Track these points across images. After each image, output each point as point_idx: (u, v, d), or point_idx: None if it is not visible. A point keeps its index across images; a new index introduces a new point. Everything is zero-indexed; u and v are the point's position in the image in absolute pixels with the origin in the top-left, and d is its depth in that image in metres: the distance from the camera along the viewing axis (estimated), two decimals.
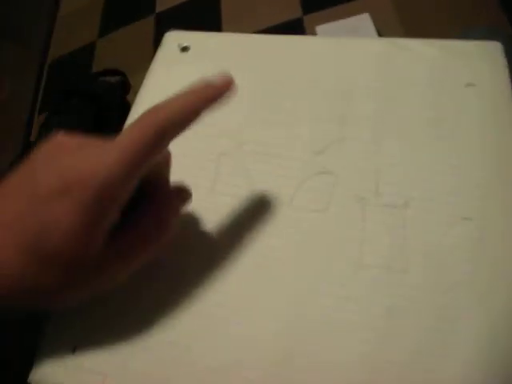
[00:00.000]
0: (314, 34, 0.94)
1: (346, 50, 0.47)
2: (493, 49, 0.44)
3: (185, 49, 0.48)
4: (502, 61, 0.43)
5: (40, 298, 0.31)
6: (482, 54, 0.44)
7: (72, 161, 0.30)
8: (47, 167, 0.30)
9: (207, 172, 0.41)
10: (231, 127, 0.43)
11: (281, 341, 0.34)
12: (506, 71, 0.42)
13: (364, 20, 0.94)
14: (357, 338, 0.34)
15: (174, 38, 0.50)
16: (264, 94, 0.45)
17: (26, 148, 0.98)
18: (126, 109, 0.95)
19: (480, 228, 0.36)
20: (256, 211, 0.39)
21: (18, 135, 1.05)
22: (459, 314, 0.33)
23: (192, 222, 0.39)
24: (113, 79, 0.98)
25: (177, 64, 0.48)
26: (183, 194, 0.37)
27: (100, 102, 0.92)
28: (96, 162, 0.30)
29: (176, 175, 0.39)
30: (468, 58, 0.44)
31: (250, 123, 0.43)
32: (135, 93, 0.99)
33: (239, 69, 0.47)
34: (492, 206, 0.37)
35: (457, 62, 0.44)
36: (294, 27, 0.96)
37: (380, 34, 0.90)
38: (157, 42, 1.09)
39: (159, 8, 1.11)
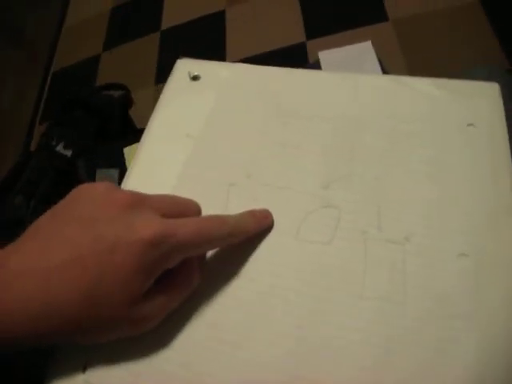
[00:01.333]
0: (316, 58, 0.96)
1: (352, 85, 0.48)
2: (491, 90, 0.46)
3: (195, 78, 0.49)
4: (499, 102, 0.44)
5: (77, 338, 0.32)
6: (480, 94, 0.46)
7: (132, 219, 0.32)
8: (110, 221, 0.31)
9: (217, 202, 0.42)
10: (242, 158, 0.44)
11: (282, 366, 0.35)
12: (503, 112, 0.44)
13: (366, 47, 0.96)
14: (356, 366, 0.35)
15: (184, 66, 0.51)
16: (274, 126, 0.46)
17: (26, 157, 0.99)
18: (127, 123, 0.96)
19: (476, 263, 0.37)
20: (263, 241, 0.40)
21: (19, 143, 1.06)
22: (457, 347, 0.34)
23: None
24: (116, 93, 1.00)
25: (187, 93, 0.49)
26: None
27: (102, 116, 0.93)
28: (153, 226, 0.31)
29: None
30: (468, 99, 0.45)
31: (260, 155, 0.44)
32: (137, 107, 1.00)
33: (250, 100, 0.48)
34: (488, 243, 0.38)
35: (457, 102, 0.45)
36: (297, 52, 0.98)
37: (381, 62, 0.92)
38: (161, 59, 1.12)
39: (165, 25, 1.14)
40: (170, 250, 0.32)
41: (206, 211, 0.38)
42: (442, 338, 0.35)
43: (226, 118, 0.47)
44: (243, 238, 0.38)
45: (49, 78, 1.15)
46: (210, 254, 0.39)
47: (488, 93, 0.46)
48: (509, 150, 0.42)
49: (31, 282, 0.29)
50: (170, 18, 1.18)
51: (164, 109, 0.48)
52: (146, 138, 0.47)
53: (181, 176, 0.43)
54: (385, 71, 0.91)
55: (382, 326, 0.36)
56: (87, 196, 0.33)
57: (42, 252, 0.30)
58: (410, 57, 0.90)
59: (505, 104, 0.45)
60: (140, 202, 0.33)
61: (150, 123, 0.48)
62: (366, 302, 0.37)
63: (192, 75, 0.50)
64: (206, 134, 0.46)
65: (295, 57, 0.98)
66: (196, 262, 0.36)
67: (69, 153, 0.89)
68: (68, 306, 0.30)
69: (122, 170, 0.71)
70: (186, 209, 0.36)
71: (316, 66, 0.94)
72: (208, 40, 1.08)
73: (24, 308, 0.29)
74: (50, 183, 0.85)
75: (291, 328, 0.36)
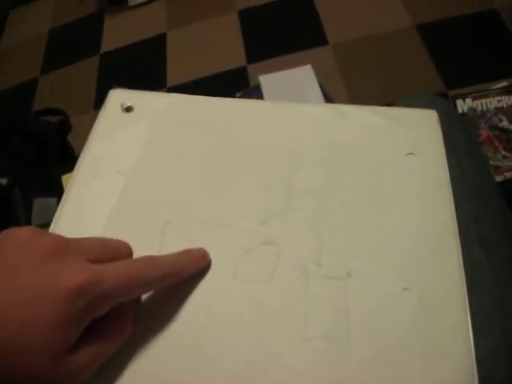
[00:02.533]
0: (257, 82, 0.96)
1: (291, 116, 0.47)
2: (430, 117, 0.46)
3: (128, 109, 0.48)
4: (437, 129, 0.45)
5: None
6: (419, 122, 0.46)
7: (55, 266, 0.30)
8: (33, 270, 0.30)
9: (151, 242, 0.40)
10: (177, 195, 0.43)
11: None
12: (442, 140, 0.44)
13: (306, 71, 0.97)
14: None
15: (117, 97, 0.50)
16: (209, 160, 0.45)
17: None
18: (66, 149, 0.94)
19: (418, 297, 0.37)
20: (200, 281, 0.39)
21: None
22: (404, 383, 0.34)
23: None
24: (53, 119, 0.97)
25: (119, 125, 0.47)
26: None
27: (39, 142, 0.90)
28: (74, 272, 0.30)
29: None
30: (407, 127, 0.45)
31: (195, 191, 0.43)
32: (76, 133, 0.98)
33: (184, 133, 0.47)
34: (430, 276, 0.38)
35: (396, 131, 0.45)
36: (238, 75, 0.98)
37: (322, 85, 0.93)
38: (100, 83, 1.10)
39: (104, 48, 1.12)
40: (97, 298, 0.30)
41: (140, 252, 0.36)
42: (389, 375, 0.34)
43: (160, 152, 0.45)
44: (179, 279, 0.37)
45: None
46: (144, 296, 0.38)
47: (427, 120, 0.46)
48: (448, 179, 0.42)
49: None
50: (110, 40, 1.16)
51: (95, 142, 0.46)
52: (77, 174, 0.45)
53: (112, 215, 0.42)
54: (325, 94, 0.92)
55: (327, 366, 0.35)
56: (10, 243, 0.31)
57: None
58: (350, 80, 0.91)
59: (443, 128, 0.46)
60: (65, 247, 0.31)
61: (80, 157, 0.46)
62: (309, 342, 0.36)
63: (125, 106, 0.48)
64: (139, 169, 0.44)
65: (236, 80, 0.98)
66: (129, 307, 0.35)
67: (4, 181, 0.85)
68: None
69: (60, 199, 0.69)
70: (115, 252, 0.35)
71: (257, 89, 0.94)
72: (149, 63, 1.07)
73: None
74: None
75: (230, 373, 0.35)
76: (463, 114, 0.96)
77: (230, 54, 1.01)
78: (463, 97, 0.97)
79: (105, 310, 0.31)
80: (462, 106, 0.98)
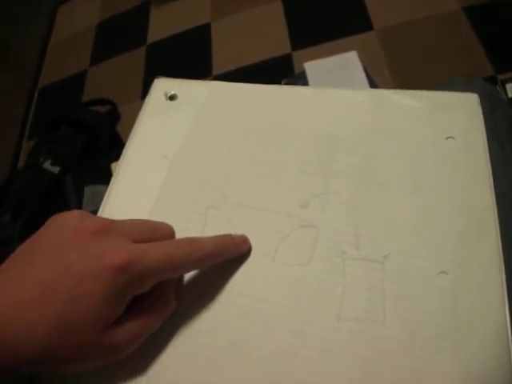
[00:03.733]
0: (302, 69, 0.96)
1: (330, 101, 0.48)
2: (470, 101, 0.45)
3: (172, 97, 0.49)
4: (478, 113, 0.44)
5: (54, 367, 0.32)
6: (460, 106, 0.45)
7: (101, 246, 0.32)
8: (80, 250, 0.32)
9: (195, 225, 0.42)
10: (219, 179, 0.44)
11: None
12: (483, 124, 0.44)
13: (351, 57, 0.96)
14: None
15: (161, 86, 0.51)
16: (251, 145, 0.45)
17: (13, 175, 0.98)
18: (115, 138, 0.96)
19: (455, 282, 0.37)
20: (240, 264, 0.40)
21: (5, 161, 1.05)
22: (434, 366, 0.34)
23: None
24: (102, 109, 1.00)
25: (164, 112, 0.48)
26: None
27: (89, 132, 0.93)
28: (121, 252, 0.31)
29: None
30: (447, 111, 0.45)
31: (237, 175, 0.44)
32: (124, 122, 1.00)
33: (227, 119, 0.48)
34: (467, 260, 0.38)
35: (436, 115, 0.45)
36: (283, 63, 0.98)
37: (367, 71, 0.92)
38: (147, 73, 1.11)
39: (150, 39, 1.13)
40: (139, 275, 0.32)
41: (183, 234, 0.38)
42: (421, 358, 0.34)
43: (203, 138, 0.46)
44: (219, 261, 0.38)
45: (35, 93, 1.14)
46: (188, 276, 0.39)
47: (467, 104, 0.45)
48: (489, 163, 0.42)
49: (1, 316, 0.29)
50: (156, 32, 1.17)
51: (141, 130, 0.48)
52: (124, 160, 0.46)
53: (157, 199, 0.43)
54: (371, 80, 0.91)
55: (361, 347, 0.35)
56: (59, 226, 0.34)
57: (12, 287, 0.31)
58: (395, 65, 0.90)
59: (485, 113, 0.45)
60: (109, 228, 0.33)
61: (127, 145, 0.47)
62: (344, 323, 0.36)
63: (169, 95, 0.49)
64: (183, 155, 0.45)
65: (281, 68, 0.97)
66: (171, 285, 0.36)
67: (56, 170, 0.88)
68: (39, 336, 0.30)
69: None
70: (158, 232, 0.36)
71: (302, 76, 0.94)
72: (194, 53, 1.08)
73: None
74: (37, 201, 0.85)
75: (272, 350, 0.36)
76: None
77: (275, 41, 1.01)
78: None
79: (147, 286, 0.33)
80: None
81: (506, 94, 0.96)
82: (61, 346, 0.30)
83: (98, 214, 0.43)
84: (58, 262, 0.31)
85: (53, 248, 0.32)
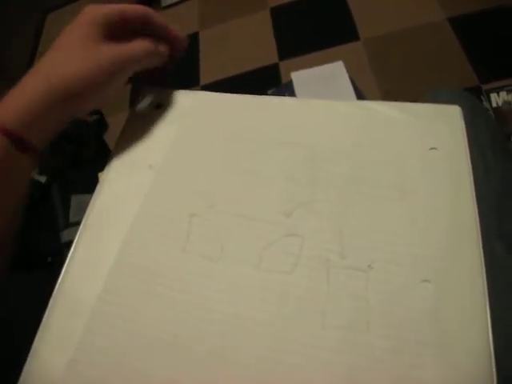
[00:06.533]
0: (289, 79, 0.96)
1: (316, 112, 0.48)
2: (453, 113, 0.46)
3: (159, 106, 0.50)
4: (461, 125, 0.45)
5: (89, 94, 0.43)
6: (443, 118, 0.46)
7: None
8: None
9: (179, 232, 0.42)
10: (204, 188, 0.44)
11: None
12: (465, 136, 0.44)
13: (338, 67, 0.97)
14: None
15: (148, 95, 0.52)
16: (235, 154, 0.46)
17: None
18: (102, 148, 0.96)
19: (438, 290, 0.37)
20: (225, 271, 0.40)
21: None
22: (418, 373, 0.34)
23: (163, 280, 0.40)
24: (90, 118, 1.00)
25: (150, 121, 0.49)
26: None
27: (77, 141, 0.93)
28: None
29: (149, 234, 0.40)
30: (430, 122, 0.45)
31: (221, 184, 0.44)
32: (112, 132, 1.00)
33: (210, 129, 0.48)
34: (450, 268, 0.38)
35: (420, 126, 0.45)
36: (270, 73, 0.98)
37: (353, 81, 0.93)
38: (135, 82, 1.11)
39: None
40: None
41: (167, 242, 0.38)
42: (405, 365, 0.35)
43: (188, 147, 0.46)
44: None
45: None
46: (174, 284, 0.39)
47: (450, 116, 0.46)
48: (471, 174, 0.42)
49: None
50: None
51: (127, 138, 0.48)
52: (109, 168, 0.46)
53: (142, 207, 0.43)
54: (357, 90, 0.92)
55: (346, 354, 0.36)
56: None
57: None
58: (381, 75, 0.91)
59: (467, 124, 0.46)
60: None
61: (112, 153, 0.47)
62: (329, 331, 0.36)
63: (155, 103, 0.50)
64: (168, 164, 0.46)
65: (269, 77, 0.98)
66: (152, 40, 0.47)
67: (43, 179, 0.88)
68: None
69: None
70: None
71: (289, 86, 0.94)
72: (182, 62, 1.08)
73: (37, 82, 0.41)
74: (23, 210, 0.84)
75: (257, 357, 0.36)
76: (497, 107, 0.95)
77: (262, 51, 1.02)
78: (497, 90, 0.96)
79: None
80: (497, 99, 0.96)
81: (490, 103, 0.97)
82: (70, 62, 0.42)
83: (83, 221, 0.43)
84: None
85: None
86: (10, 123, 0.39)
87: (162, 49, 0.49)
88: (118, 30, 0.45)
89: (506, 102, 0.97)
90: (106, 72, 0.43)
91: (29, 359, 0.37)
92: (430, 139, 0.44)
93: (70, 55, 0.42)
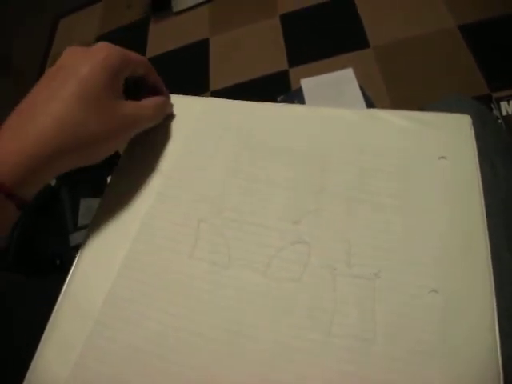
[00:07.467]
0: (299, 85, 0.96)
1: (325, 120, 0.48)
2: (462, 122, 0.46)
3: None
4: (470, 134, 0.44)
5: (89, 147, 0.40)
6: (452, 127, 0.46)
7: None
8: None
9: (187, 238, 0.42)
10: (211, 193, 0.44)
11: None
12: (474, 145, 0.44)
13: (347, 74, 0.97)
14: None
15: None
16: (245, 161, 0.46)
17: None
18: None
19: (445, 300, 0.37)
20: (232, 278, 0.40)
21: None
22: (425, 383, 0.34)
23: (170, 285, 0.40)
24: None
25: (159, 127, 0.49)
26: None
27: None
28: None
29: (156, 239, 0.40)
30: (439, 131, 0.45)
31: (229, 190, 0.44)
32: None
33: (221, 136, 0.48)
34: (458, 279, 0.38)
35: (429, 135, 0.45)
36: (280, 79, 0.99)
37: (363, 88, 0.93)
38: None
39: (149, 54, 1.15)
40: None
41: (175, 247, 0.38)
42: (411, 375, 0.34)
43: (197, 153, 0.47)
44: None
45: None
46: (181, 290, 0.39)
47: (460, 125, 0.46)
48: (480, 183, 0.42)
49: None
50: (155, 46, 1.19)
51: (136, 144, 0.48)
52: (118, 172, 0.47)
53: (149, 212, 0.43)
54: (366, 97, 0.92)
55: (352, 364, 0.35)
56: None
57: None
58: (391, 82, 0.90)
59: (476, 132, 0.45)
60: None
61: (122, 157, 0.48)
62: (335, 339, 0.36)
63: None
64: (178, 169, 0.46)
65: (278, 84, 0.98)
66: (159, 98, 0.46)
67: (53, 182, 0.89)
68: (69, 115, 0.38)
69: None
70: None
71: (298, 93, 0.95)
72: (192, 68, 1.08)
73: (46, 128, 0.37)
74: (32, 213, 0.85)
75: (263, 364, 0.36)
76: (507, 116, 0.95)
77: (272, 58, 1.02)
78: (508, 99, 0.95)
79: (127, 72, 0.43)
80: (507, 108, 0.95)
81: (500, 111, 0.97)
82: (88, 118, 0.38)
83: (89, 227, 0.43)
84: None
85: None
86: (8, 180, 0.35)
87: (170, 109, 0.49)
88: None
89: None
90: (124, 133, 0.43)
91: (34, 360, 0.37)
92: (439, 148, 0.44)
93: (89, 110, 0.39)
